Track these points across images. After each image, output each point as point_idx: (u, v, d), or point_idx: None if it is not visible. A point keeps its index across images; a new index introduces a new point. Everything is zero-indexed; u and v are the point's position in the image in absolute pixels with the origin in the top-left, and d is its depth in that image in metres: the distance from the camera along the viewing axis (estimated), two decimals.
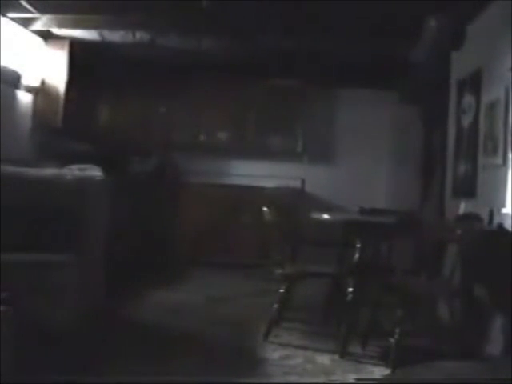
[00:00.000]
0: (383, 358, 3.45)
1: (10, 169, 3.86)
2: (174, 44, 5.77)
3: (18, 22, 5.28)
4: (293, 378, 3.17)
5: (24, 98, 5.64)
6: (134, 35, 5.58)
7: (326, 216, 4.19)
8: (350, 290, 3.71)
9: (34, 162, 5.12)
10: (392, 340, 3.34)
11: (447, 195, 5.08)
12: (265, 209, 4.00)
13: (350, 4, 4.56)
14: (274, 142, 7.29)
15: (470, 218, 3.90)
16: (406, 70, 5.98)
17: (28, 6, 4.96)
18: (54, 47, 5.85)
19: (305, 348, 3.70)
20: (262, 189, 6.86)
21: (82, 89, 6.38)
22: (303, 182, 7.31)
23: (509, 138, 3.64)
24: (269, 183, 7.01)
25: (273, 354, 3.55)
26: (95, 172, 3.95)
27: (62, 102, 5.88)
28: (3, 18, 5.04)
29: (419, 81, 6.19)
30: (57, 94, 5.86)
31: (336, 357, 3.51)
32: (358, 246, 3.81)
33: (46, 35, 5.73)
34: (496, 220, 3.67)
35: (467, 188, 4.44)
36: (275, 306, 3.93)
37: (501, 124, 3.79)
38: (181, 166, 7.29)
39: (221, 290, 5.49)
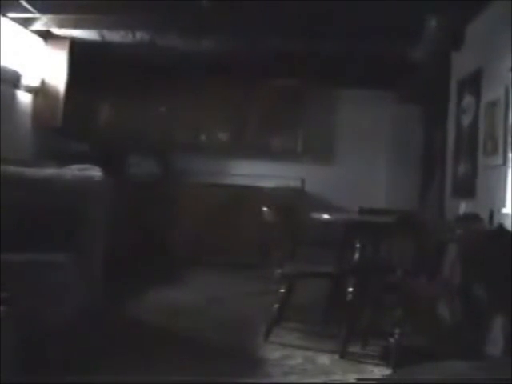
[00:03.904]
0: (383, 358, 3.45)
1: (10, 169, 3.85)
2: (174, 44, 5.77)
3: (18, 22, 5.28)
4: (293, 378, 3.17)
5: (24, 98, 5.64)
6: (133, 35, 5.58)
7: (325, 216, 4.19)
8: (350, 289, 3.71)
9: (33, 162, 5.12)
10: (392, 340, 3.34)
11: (447, 195, 5.08)
12: (265, 209, 4.00)
13: (351, 4, 4.56)
14: (274, 141, 7.29)
15: (470, 218, 3.90)
16: (406, 70, 5.98)
17: (28, 6, 4.96)
18: (54, 47, 5.84)
19: (305, 348, 3.70)
20: (262, 189, 6.86)
21: (82, 89, 6.38)
22: (303, 181, 7.31)
23: (509, 138, 3.64)
24: (269, 183, 7.01)
25: (273, 353, 3.55)
26: (95, 172, 3.94)
27: (61, 101, 5.87)
28: (3, 18, 5.04)
29: (419, 81, 6.19)
30: (57, 94, 5.86)
31: (336, 357, 3.51)
32: (358, 246, 3.81)
33: (45, 35, 5.73)
34: (496, 220, 3.67)
35: (467, 188, 4.45)
36: (275, 306, 3.93)
37: (501, 124, 3.80)
38: (181, 166, 7.29)
39: (221, 290, 5.49)
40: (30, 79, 5.61)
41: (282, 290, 3.94)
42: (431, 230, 3.89)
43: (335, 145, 7.55)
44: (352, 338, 3.63)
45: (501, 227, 3.44)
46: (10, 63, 5.23)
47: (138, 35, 5.59)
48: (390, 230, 3.83)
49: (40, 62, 5.79)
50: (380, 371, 3.28)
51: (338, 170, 7.40)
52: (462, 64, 4.88)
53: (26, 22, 5.37)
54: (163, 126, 7.21)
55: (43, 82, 5.82)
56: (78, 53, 5.89)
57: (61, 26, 5.52)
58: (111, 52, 6.15)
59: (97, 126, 7.15)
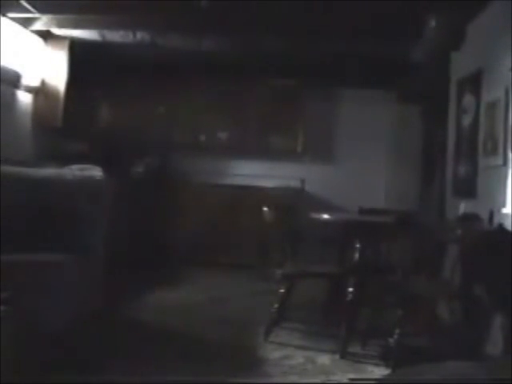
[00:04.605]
0: (383, 358, 3.45)
1: (10, 169, 3.85)
2: (174, 44, 5.77)
3: (18, 22, 5.28)
4: (293, 378, 3.17)
5: (24, 98, 5.64)
6: (134, 35, 5.58)
7: (325, 216, 4.19)
8: (350, 289, 3.71)
9: (34, 162, 5.12)
10: (392, 340, 3.34)
11: (447, 195, 5.08)
12: (265, 209, 4.00)
13: (350, 4, 4.56)
14: (275, 141, 7.29)
15: (470, 218, 3.90)
16: (406, 70, 5.98)
17: (28, 6, 4.96)
18: (54, 47, 5.85)
19: (305, 348, 3.70)
20: (262, 189, 6.86)
21: (82, 89, 6.38)
22: (303, 181, 7.31)
23: (509, 138, 3.64)
24: (269, 183, 7.01)
25: (273, 353, 3.55)
26: (95, 172, 3.94)
27: (61, 101, 5.88)
28: (3, 18, 5.04)
29: (419, 81, 6.19)
30: (57, 93, 5.86)
31: (336, 357, 3.51)
32: (358, 246, 3.81)
33: (45, 35, 5.73)
34: (496, 220, 3.67)
35: (467, 188, 4.44)
36: (275, 305, 3.93)
37: (501, 124, 3.79)
38: (181, 166, 7.29)
39: (221, 290, 5.49)
40: (30, 79, 5.61)
41: (282, 290, 3.94)
42: (431, 230, 3.89)
43: (335, 145, 7.54)
44: (352, 338, 3.63)
45: (501, 227, 3.44)
46: (10, 63, 5.23)
47: (138, 35, 5.59)
48: (389, 230, 3.83)
49: (40, 62, 5.79)
50: (380, 371, 3.28)
51: (338, 170, 7.40)
52: (461, 64, 4.87)
53: (26, 22, 5.37)
54: (163, 126, 7.20)
55: (43, 82, 5.82)
56: (78, 53, 5.89)
57: (61, 26, 5.52)
58: (111, 52, 6.15)
59: (97, 125, 7.15)
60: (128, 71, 6.84)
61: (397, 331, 3.32)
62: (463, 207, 4.44)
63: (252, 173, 7.28)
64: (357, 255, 3.80)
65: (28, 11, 5.07)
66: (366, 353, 3.62)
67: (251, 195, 6.72)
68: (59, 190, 3.75)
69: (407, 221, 3.83)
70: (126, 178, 6.38)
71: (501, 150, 3.77)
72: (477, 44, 4.50)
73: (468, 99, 4.61)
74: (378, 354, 3.57)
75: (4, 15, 5.04)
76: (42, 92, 5.81)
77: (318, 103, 7.43)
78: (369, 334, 3.70)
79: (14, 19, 5.19)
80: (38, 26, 5.45)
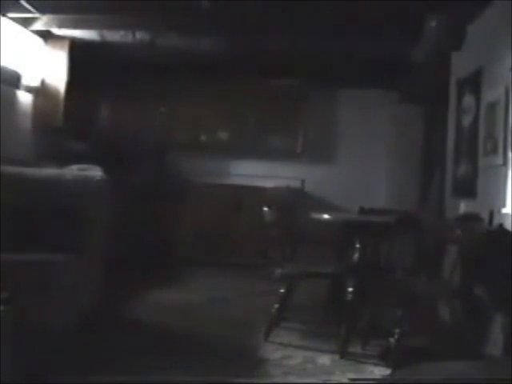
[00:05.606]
0: (383, 358, 3.45)
1: (9, 169, 3.86)
2: (174, 44, 5.77)
3: (18, 22, 5.28)
4: (292, 378, 3.17)
5: (24, 98, 5.63)
6: (134, 35, 5.58)
7: (325, 216, 4.19)
8: (350, 289, 3.71)
9: (34, 162, 5.12)
10: (392, 340, 3.34)
11: (447, 195, 5.08)
12: (265, 209, 4.00)
13: (351, 3, 4.56)
14: (274, 142, 7.30)
15: (470, 218, 3.90)
16: (406, 70, 5.98)
17: (28, 6, 4.97)
18: (54, 47, 5.85)
19: (305, 348, 3.70)
20: (262, 189, 6.86)
21: (82, 89, 6.37)
22: (303, 182, 7.31)
23: (509, 138, 3.64)
24: (269, 183, 7.01)
25: (273, 353, 3.55)
26: (95, 172, 3.95)
27: (62, 101, 5.87)
28: (3, 18, 5.04)
29: (419, 81, 6.19)
30: (57, 93, 5.86)
31: (336, 357, 3.51)
32: (358, 246, 3.81)
33: (46, 35, 5.73)
34: (496, 220, 3.67)
35: (467, 188, 4.44)
36: (275, 306, 3.93)
37: (501, 124, 3.80)
38: (181, 166, 7.29)
39: (221, 290, 5.49)
40: (29, 79, 5.61)
41: (282, 290, 3.94)
42: (431, 230, 3.89)
43: (335, 145, 7.55)
44: (352, 338, 3.63)
45: (501, 227, 3.44)
46: (10, 63, 5.23)
47: (138, 35, 5.59)
48: (389, 229, 3.83)
49: (40, 62, 5.79)
50: (380, 371, 3.28)
51: (338, 170, 7.40)
52: (462, 64, 4.87)
53: (25, 22, 5.37)
54: (163, 126, 7.21)
55: (43, 82, 5.82)
56: (78, 53, 5.89)
57: (61, 25, 5.52)
58: (111, 52, 6.15)
59: (97, 125, 7.15)
60: (128, 71, 6.84)
61: (397, 331, 3.32)
62: (463, 207, 4.44)
63: (252, 173, 7.28)
64: (357, 255, 3.80)
65: (28, 11, 5.07)
66: (365, 353, 3.62)
67: (251, 195, 6.72)
68: (59, 189, 3.75)
69: (407, 221, 3.82)
70: (125, 177, 6.38)
71: (501, 150, 3.77)
72: (477, 44, 4.50)
73: (468, 99, 4.61)
74: (378, 353, 3.57)
75: (4, 15, 5.04)
76: (41, 92, 5.81)
77: (318, 103, 7.43)
78: (369, 334, 3.70)
79: (14, 19, 5.19)
80: (38, 25, 5.45)
